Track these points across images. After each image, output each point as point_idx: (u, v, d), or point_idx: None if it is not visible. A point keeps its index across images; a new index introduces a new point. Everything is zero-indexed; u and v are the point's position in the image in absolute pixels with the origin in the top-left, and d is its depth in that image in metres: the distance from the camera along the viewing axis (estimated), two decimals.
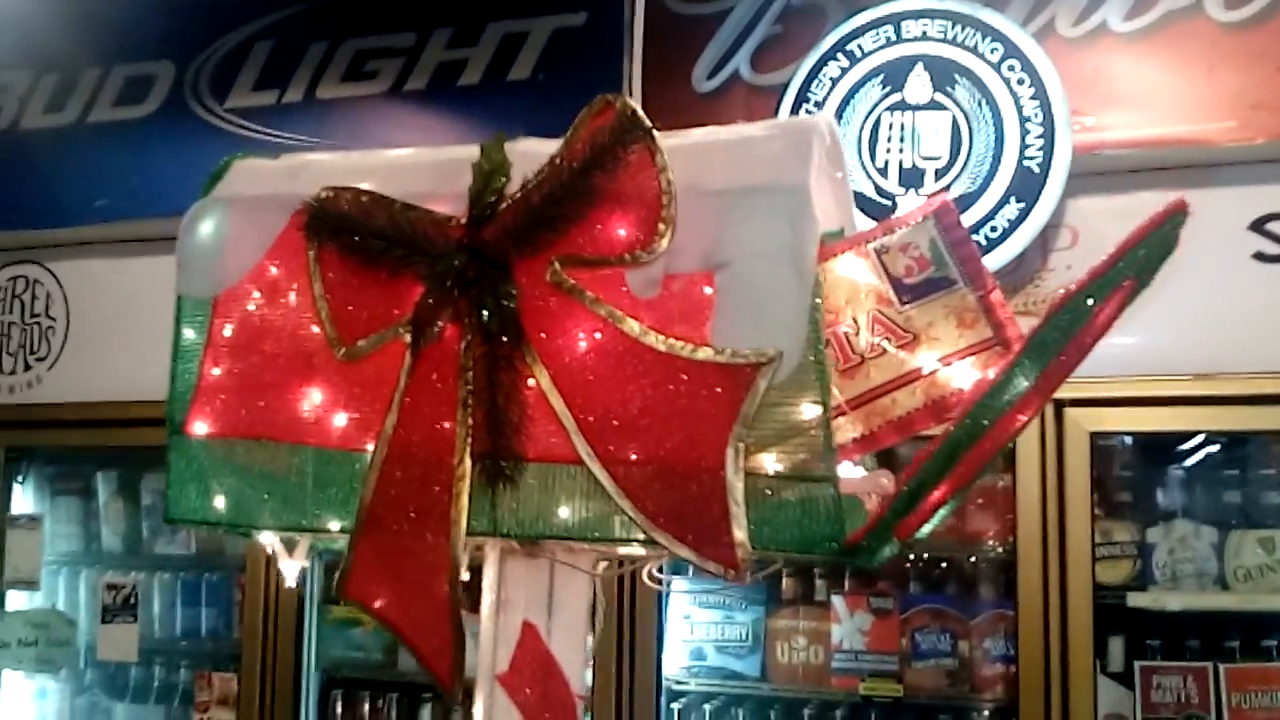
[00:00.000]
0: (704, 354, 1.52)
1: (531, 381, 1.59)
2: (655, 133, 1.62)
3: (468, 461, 1.58)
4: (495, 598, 1.75)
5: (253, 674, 4.52)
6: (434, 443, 1.60)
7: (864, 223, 3.77)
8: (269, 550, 1.86)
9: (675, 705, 4.23)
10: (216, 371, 1.76)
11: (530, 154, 1.67)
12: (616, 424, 1.55)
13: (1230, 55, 3.73)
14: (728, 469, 1.49)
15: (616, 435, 1.54)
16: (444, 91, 4.46)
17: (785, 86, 4.05)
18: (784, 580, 4.30)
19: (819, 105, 3.99)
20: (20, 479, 5.13)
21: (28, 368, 5.10)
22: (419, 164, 1.80)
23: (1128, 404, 3.74)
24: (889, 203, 3.91)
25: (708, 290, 1.54)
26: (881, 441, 1.77)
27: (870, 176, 3.94)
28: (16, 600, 5.01)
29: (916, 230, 1.82)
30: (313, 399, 1.71)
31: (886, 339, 1.79)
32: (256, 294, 1.76)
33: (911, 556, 4.18)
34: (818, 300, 1.53)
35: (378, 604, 1.66)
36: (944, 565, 4.21)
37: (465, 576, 1.82)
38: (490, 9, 4.48)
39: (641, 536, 1.54)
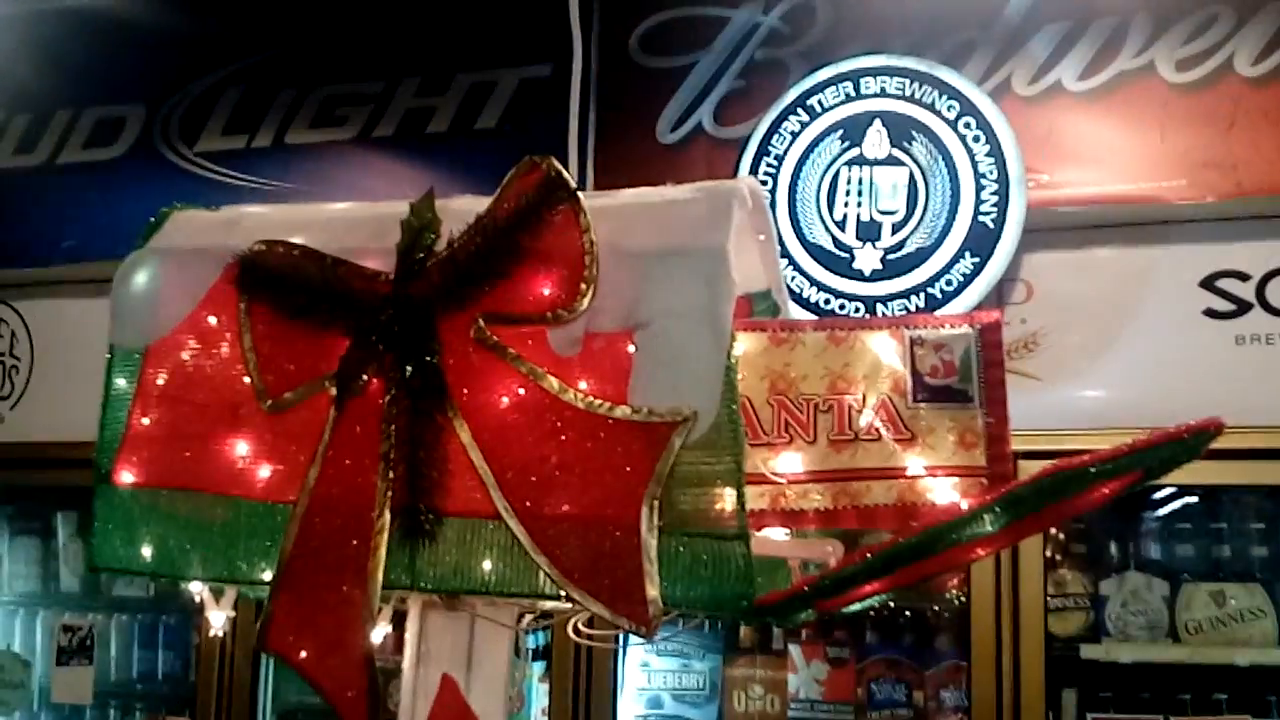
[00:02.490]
0: (621, 412, 1.55)
1: (454, 436, 1.61)
2: (579, 194, 1.65)
3: (387, 515, 1.59)
4: (415, 650, 1.77)
5: (208, 717, 4.50)
6: (355, 496, 1.62)
7: (821, 275, 3.89)
8: (196, 599, 1.87)
9: None
10: (145, 421, 1.78)
11: (460, 211, 1.70)
12: (534, 480, 1.57)
13: (1181, 115, 3.80)
14: (642, 526, 1.51)
15: (534, 491, 1.57)
16: (412, 139, 4.51)
17: (747, 140, 4.11)
18: (741, 629, 4.31)
19: (779, 159, 4.04)
20: None
21: None
22: (352, 219, 1.83)
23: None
24: (846, 255, 3.96)
25: (628, 349, 1.57)
26: (840, 521, 1.78)
27: (829, 229, 3.99)
28: None
29: (957, 336, 1.82)
30: (240, 450, 1.73)
31: (886, 428, 1.79)
32: (187, 345, 1.78)
33: (869, 607, 4.19)
34: (733, 360, 1.56)
35: (297, 655, 1.67)
36: (903, 616, 4.22)
37: (388, 628, 1.85)
38: (458, 59, 4.53)
39: (557, 592, 1.55)
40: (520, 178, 1.67)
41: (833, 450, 1.79)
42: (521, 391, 1.60)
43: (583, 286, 1.60)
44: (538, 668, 4.33)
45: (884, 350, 1.82)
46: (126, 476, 1.77)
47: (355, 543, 1.60)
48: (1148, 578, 3.89)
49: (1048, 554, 3.80)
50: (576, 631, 1.76)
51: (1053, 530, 3.87)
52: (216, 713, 4.50)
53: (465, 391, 1.62)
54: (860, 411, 1.80)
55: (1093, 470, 1.58)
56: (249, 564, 1.73)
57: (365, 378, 1.66)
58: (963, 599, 3.86)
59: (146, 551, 1.77)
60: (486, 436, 1.60)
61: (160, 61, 4.93)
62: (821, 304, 3.96)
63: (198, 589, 1.87)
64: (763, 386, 1.78)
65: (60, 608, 5.01)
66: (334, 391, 1.67)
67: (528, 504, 1.56)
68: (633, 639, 4.18)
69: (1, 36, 5.02)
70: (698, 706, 4.26)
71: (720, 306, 1.55)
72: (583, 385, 1.57)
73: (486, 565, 1.60)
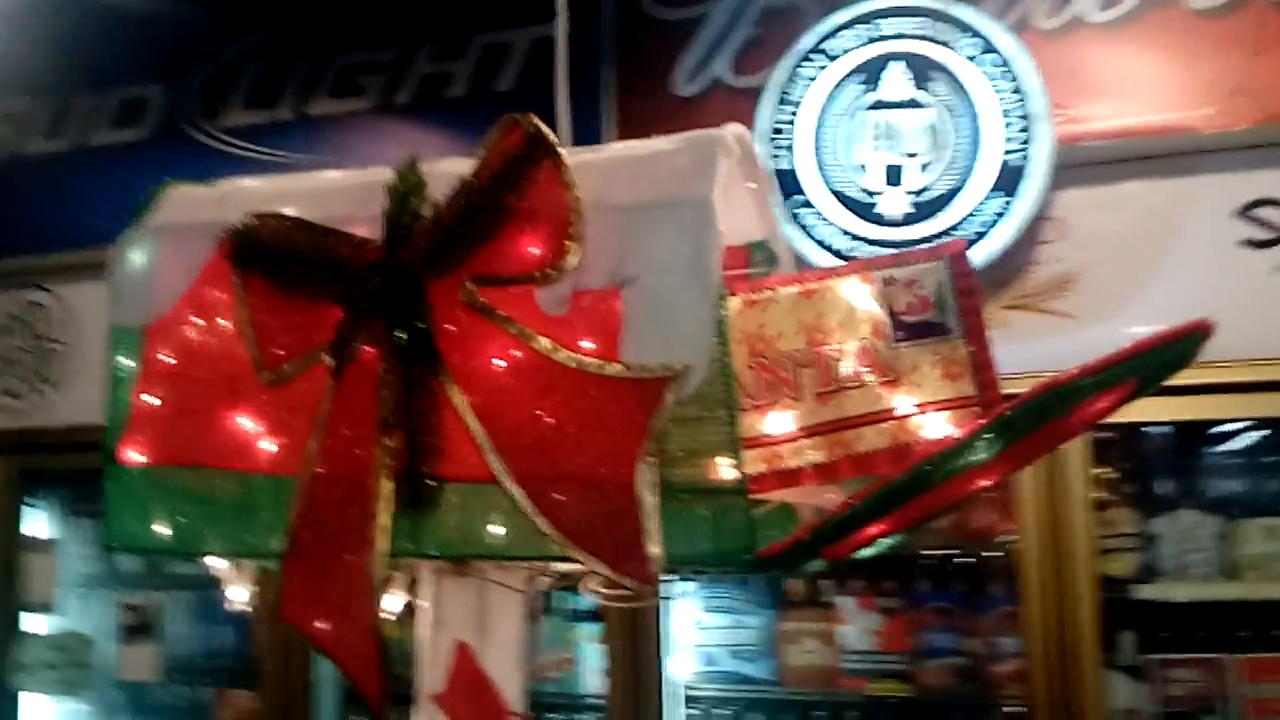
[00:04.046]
0: (613, 370, 1.53)
1: (448, 401, 1.60)
2: (562, 150, 1.63)
3: (387, 482, 1.59)
4: (429, 617, 1.77)
5: (270, 691, 4.55)
6: (356, 465, 1.62)
7: (848, 222, 3.85)
8: (216, 574, 1.89)
9: (693, 710, 4.24)
10: (149, 399, 1.79)
11: (447, 175, 1.68)
12: (529, 441, 1.56)
13: (1207, 42, 3.71)
14: (639, 484, 1.49)
15: (530, 452, 1.55)
16: (430, 105, 4.50)
17: (765, 88, 4.05)
18: (792, 583, 4.30)
19: (797, 105, 3.98)
20: (35, 502, 5.19)
21: (37, 391, 5.17)
22: (340, 188, 1.82)
23: None
24: (872, 200, 3.91)
25: (616, 306, 1.55)
26: (839, 473, 1.75)
27: (853, 175, 3.94)
28: (34, 623, 5.06)
29: (927, 270, 1.79)
30: (243, 424, 1.74)
31: (870, 372, 1.77)
32: (186, 321, 1.78)
33: (920, 554, 4.17)
34: (723, 312, 1.54)
35: (310, 626, 1.68)
36: (952, 563, 4.18)
37: (406, 596, 1.85)
38: (472, 22, 4.51)
39: (560, 553, 1.55)
40: (502, 137, 1.65)
41: (820, 403, 1.76)
42: (513, 353, 1.58)
43: (569, 244, 1.58)
44: (589, 629, 4.35)
45: (856, 295, 1.79)
46: (134, 456, 1.78)
47: (357, 512, 1.60)
48: (1200, 515, 3.83)
49: (1096, 494, 3.74)
50: (590, 590, 1.75)
51: (1100, 470, 3.81)
52: (278, 686, 4.54)
53: (457, 355, 1.61)
54: (841, 360, 1.77)
55: (1084, 383, 1.53)
56: (260, 537, 1.73)
57: (359, 346, 1.65)
58: (1013, 543, 3.82)
59: (159, 529, 1.78)
60: (480, 400, 1.59)
61: (176, 38, 4.94)
62: (849, 252, 3.92)
63: (216, 563, 1.88)
64: (741, 351, 1.75)
65: (122, 587, 5.08)
66: (330, 362, 1.67)
67: (523, 466, 1.55)
68: (675, 594, 4.21)
69: (22, 24, 5.05)
70: (753, 661, 4.26)
71: (707, 258, 1.53)
72: (575, 344, 1.55)
73: (489, 529, 1.60)
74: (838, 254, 3.92)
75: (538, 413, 1.56)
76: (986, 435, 1.53)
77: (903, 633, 4.08)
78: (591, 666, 4.33)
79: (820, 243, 3.94)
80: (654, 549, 1.49)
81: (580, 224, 1.59)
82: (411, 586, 1.82)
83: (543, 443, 1.55)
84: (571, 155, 1.64)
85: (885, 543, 1.63)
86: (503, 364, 1.59)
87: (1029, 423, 1.54)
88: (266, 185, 1.91)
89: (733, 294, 1.85)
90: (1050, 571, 3.68)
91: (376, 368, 1.64)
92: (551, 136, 1.64)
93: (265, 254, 1.73)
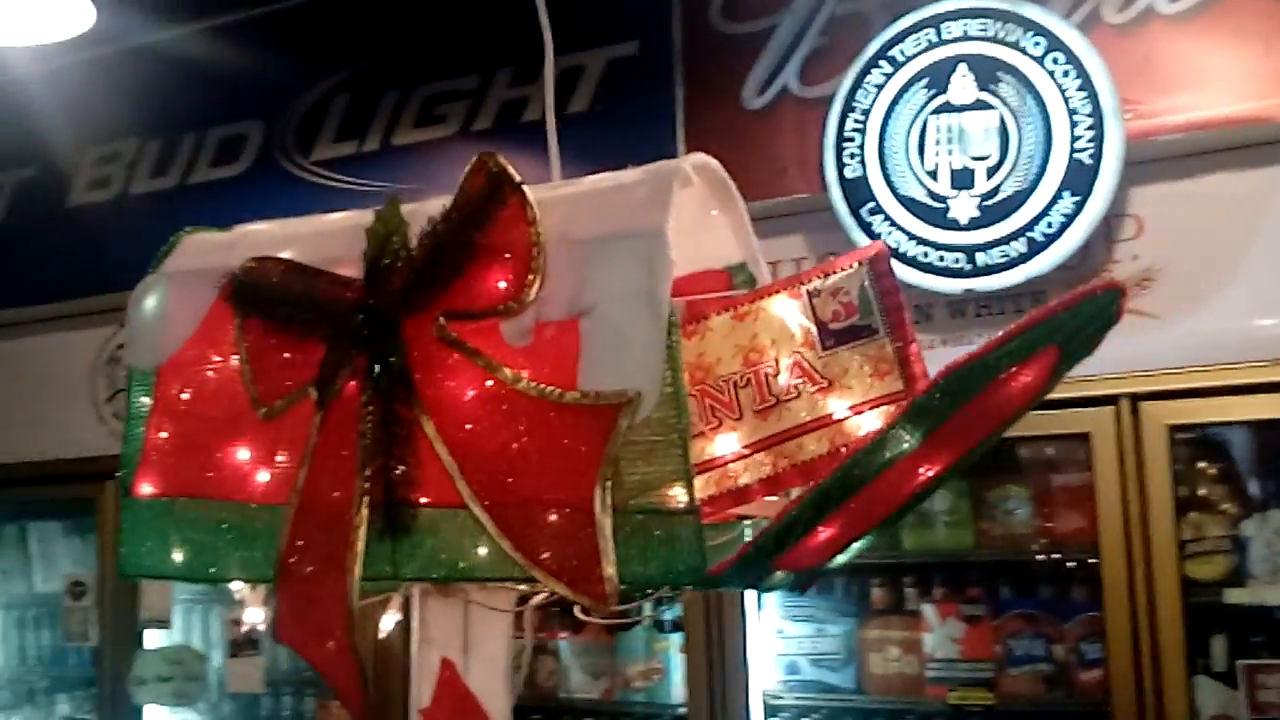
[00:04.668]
0: (570, 397, 1.57)
1: (422, 430, 1.66)
2: (525, 188, 1.67)
3: (365, 510, 1.66)
4: (418, 635, 1.84)
5: (370, 700, 4.67)
6: (338, 494, 1.69)
7: (917, 228, 3.83)
8: (237, 596, 1.98)
9: None
10: (161, 435, 1.88)
11: (426, 214, 1.74)
12: (495, 468, 1.60)
13: None
14: (596, 507, 1.53)
15: (495, 478, 1.60)
16: (509, 129, 4.60)
17: (833, 98, 4.06)
18: (874, 590, 4.29)
19: (865, 114, 3.98)
20: None
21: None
22: (334, 230, 1.89)
23: (1205, 394, 3.63)
24: (941, 205, 3.89)
25: (575, 336, 1.59)
26: (784, 484, 1.78)
27: (921, 180, 3.92)
28: (154, 639, 5.29)
29: (850, 276, 1.82)
30: (242, 457, 1.82)
31: (804, 383, 1.80)
32: (193, 362, 1.87)
33: (1003, 561, 4.13)
34: (674, 339, 1.57)
35: (300, 645, 1.76)
36: (1036, 569, 4.13)
37: (398, 616, 1.92)
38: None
39: (523, 575, 1.60)
40: (471, 176, 1.71)
41: (759, 419, 1.79)
42: (482, 384, 1.64)
43: (530, 278, 1.62)
44: (676, 639, 4.40)
45: (786, 312, 1.82)
46: (146, 488, 1.88)
47: (338, 538, 1.67)
48: None
49: (1180, 495, 3.66)
50: (584, 611, 1.80)
51: (1184, 472, 3.72)
52: (375, 697, 4.66)
53: (430, 388, 1.66)
54: (776, 375, 1.80)
55: (990, 358, 1.49)
56: (260, 563, 1.81)
57: (341, 382, 1.72)
58: (1096, 548, 3.75)
59: (171, 557, 1.88)
60: (450, 429, 1.64)
61: (274, 77, 5.13)
62: (920, 257, 3.90)
63: (237, 587, 1.97)
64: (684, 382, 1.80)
65: (230, 603, 5.27)
66: (315, 397, 1.74)
67: (491, 491, 1.60)
68: (763, 603, 4.22)
69: (132, 67, 5.31)
70: (836, 670, 4.26)
71: (658, 287, 1.55)
72: (536, 373, 1.60)
73: (463, 552, 1.65)
74: (909, 260, 3.90)
75: (503, 439, 1.61)
76: (904, 424, 1.52)
77: (987, 640, 4.03)
78: (679, 677, 4.37)
79: (891, 250, 3.91)
80: (609, 570, 1.53)
81: (540, 258, 1.63)
82: (407, 606, 1.89)
83: (507, 468, 1.60)
84: (538, 191, 1.69)
85: (854, 548, 1.64)
86: (471, 394, 1.64)
87: (944, 405, 1.52)
88: (272, 229, 2.00)
89: (716, 315, 1.88)
90: (1135, 576, 3.62)
91: (357, 402, 1.71)
92: (515, 175, 1.68)
93: (260, 296, 1.81)
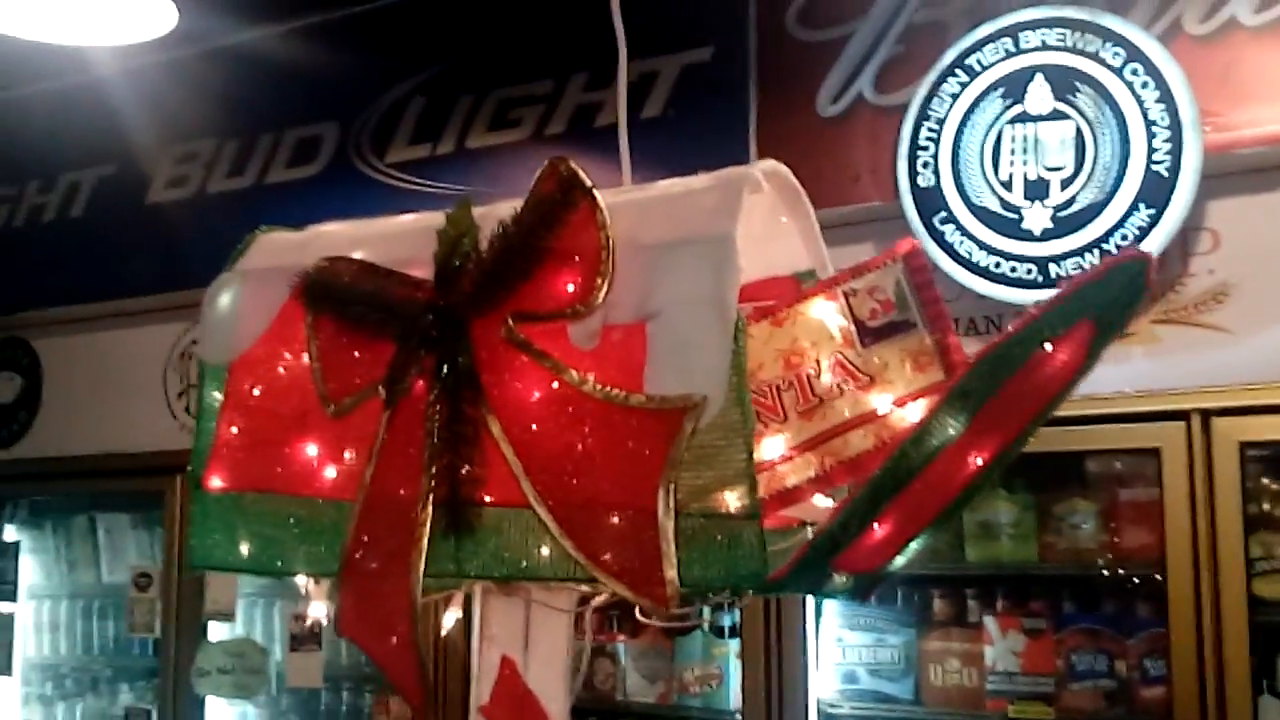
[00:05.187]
0: (635, 400, 1.58)
1: (488, 431, 1.68)
2: (596, 192, 1.69)
3: (429, 509, 1.68)
4: (479, 633, 1.86)
5: (430, 696, 4.71)
6: (404, 492, 1.71)
7: (991, 238, 3.80)
8: (302, 590, 2.01)
9: None
10: (233, 430, 1.92)
11: (497, 217, 1.76)
12: (560, 469, 1.62)
13: None
14: (659, 510, 1.54)
15: (560, 479, 1.62)
16: (582, 133, 4.61)
17: (907, 106, 4.04)
18: (935, 601, 4.26)
19: (940, 123, 3.96)
20: None
21: None
22: (405, 231, 1.92)
23: (1276, 411, 3.58)
24: (1015, 215, 3.86)
25: (642, 340, 1.61)
26: (834, 481, 1.79)
27: (995, 190, 3.89)
28: (216, 631, 5.37)
29: (884, 273, 1.83)
30: (311, 453, 1.85)
31: (846, 381, 1.81)
32: (265, 359, 1.91)
33: (1066, 575, 4.09)
34: (740, 344, 1.58)
35: (363, 640, 1.79)
36: (1100, 584, 4.08)
37: (459, 614, 1.94)
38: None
39: (584, 575, 1.61)
40: (543, 180, 1.73)
41: (804, 421, 1.80)
42: (548, 386, 1.65)
43: (598, 281, 1.64)
44: (734, 644, 4.39)
45: (824, 314, 1.83)
46: (216, 482, 1.92)
47: (403, 535, 1.69)
48: None
49: (1249, 514, 3.61)
50: (643, 613, 1.81)
51: (1254, 489, 3.67)
52: (433, 693, 4.71)
53: (497, 389, 1.68)
54: (818, 376, 1.81)
55: (1024, 334, 1.52)
56: (326, 557, 1.84)
57: (410, 381, 1.75)
58: (1156, 566, 3.71)
59: (240, 550, 1.91)
60: (516, 430, 1.66)
61: (350, 79, 5.20)
62: (992, 268, 3.88)
63: (302, 581, 2.00)
64: None
65: (293, 598, 5.33)
66: (384, 395, 1.77)
67: (555, 492, 1.62)
68: (823, 611, 4.21)
69: (211, 68, 5.39)
70: (894, 681, 4.23)
71: (726, 293, 1.57)
72: (602, 376, 1.61)
73: (525, 552, 1.67)
74: (980, 271, 3.88)
75: (568, 441, 1.62)
76: (948, 410, 1.53)
77: (1048, 654, 3.99)
78: (736, 683, 4.36)
79: (963, 260, 3.91)
80: (671, 573, 1.54)
81: (610, 262, 1.64)
82: (468, 604, 1.92)
83: (572, 469, 1.62)
84: (608, 196, 1.71)
85: (911, 548, 1.63)
86: (537, 395, 1.66)
87: (985, 386, 1.54)
88: (345, 229, 2.03)
89: (754, 322, 1.88)
90: (1202, 593, 3.57)
91: (425, 401, 1.73)
92: (586, 180, 1.70)
93: (332, 295, 1.84)
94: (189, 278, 5.38)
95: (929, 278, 1.83)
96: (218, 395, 1.96)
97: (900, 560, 1.66)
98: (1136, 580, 3.95)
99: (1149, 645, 3.86)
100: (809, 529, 1.85)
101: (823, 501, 1.82)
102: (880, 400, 1.79)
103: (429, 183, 4.92)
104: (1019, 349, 1.54)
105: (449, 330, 1.73)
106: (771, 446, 1.82)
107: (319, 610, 2.00)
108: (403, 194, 4.91)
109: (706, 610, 1.87)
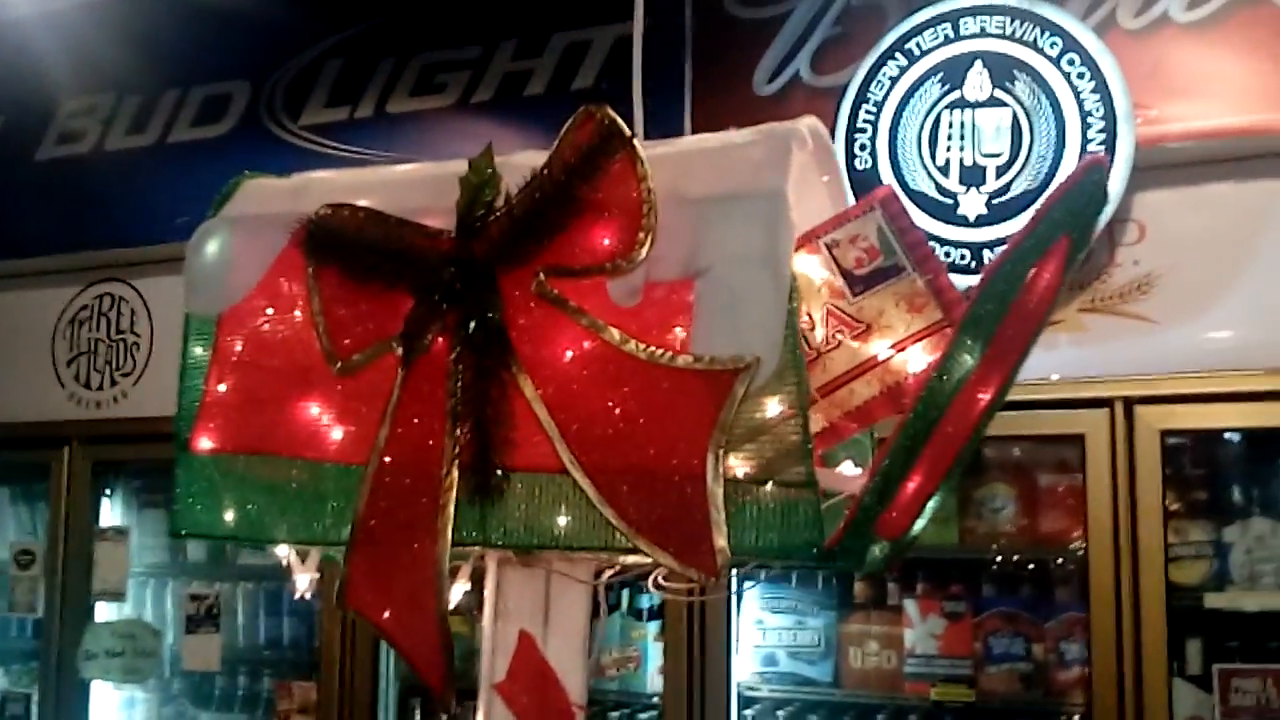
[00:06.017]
0: (683, 361, 1.52)
1: (519, 392, 1.60)
2: (636, 142, 1.62)
3: (455, 473, 1.59)
4: (494, 607, 1.77)
5: (331, 683, 4.58)
6: (424, 455, 1.62)
7: (926, 223, 3.81)
8: (283, 562, 1.90)
9: (748, 712, 4.22)
10: (221, 388, 1.80)
11: (520, 167, 1.68)
12: (599, 432, 1.55)
13: None
14: (708, 476, 1.48)
15: (599, 444, 1.55)
16: (510, 102, 4.51)
17: (845, 88, 4.03)
18: (856, 584, 4.27)
19: (878, 106, 3.96)
20: (108, 492, 5.28)
21: (114, 383, 5.26)
22: (415, 179, 1.83)
23: (1199, 400, 3.65)
24: (950, 201, 3.87)
25: (688, 297, 1.55)
26: (842, 433, 1.77)
27: (931, 175, 3.90)
28: (104, 612, 5.14)
29: (864, 221, 1.81)
30: (313, 413, 1.74)
31: (841, 331, 1.79)
32: (259, 311, 1.79)
33: (986, 560, 4.13)
34: (794, 304, 1.53)
35: (375, 614, 1.68)
36: (1018, 568, 4.14)
37: (467, 586, 1.85)
38: (553, 20, 4.51)
39: (627, 545, 1.54)
40: (577, 128, 1.65)
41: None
42: (584, 344, 1.58)
43: (641, 236, 1.57)
44: (653, 627, 4.34)
45: (807, 267, 1.82)
46: (205, 443, 1.80)
47: (425, 501, 1.60)
48: (1273, 523, 3.75)
49: (1167, 501, 3.68)
50: (657, 585, 1.75)
51: (1171, 476, 3.74)
52: (340, 678, 4.58)
53: (528, 346, 1.61)
54: (812, 330, 1.80)
55: (1019, 252, 1.56)
56: (329, 525, 1.74)
57: (430, 337, 1.66)
58: (1082, 549, 3.76)
59: (227, 516, 1.80)
60: (551, 391, 1.59)
61: (263, 37, 5.00)
62: None
63: (283, 552, 1.89)
64: None
65: (188, 577, 5.15)
66: (400, 351, 1.67)
67: (593, 457, 1.55)
68: (742, 590, 4.19)
69: (109, 20, 5.14)
70: (813, 664, 4.23)
71: (780, 251, 1.52)
72: (646, 335, 1.55)
73: (556, 520, 1.59)
74: None
75: (608, 404, 1.56)
76: (963, 340, 1.54)
77: (967, 637, 4.03)
78: (654, 666, 4.32)
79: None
80: (720, 541, 1.48)
81: (652, 216, 1.58)
82: (479, 576, 1.83)
83: (612, 434, 1.55)
84: (646, 147, 1.64)
85: (930, 507, 1.60)
86: (573, 355, 1.59)
87: (996, 309, 1.55)
88: (342, 177, 1.93)
89: None
90: (1120, 578, 3.63)
91: (445, 358, 1.64)
92: (626, 129, 1.63)
93: (338, 244, 1.74)
94: (83, 239, 5.21)
95: (909, 221, 1.82)
96: (203, 350, 1.84)
97: (920, 523, 1.63)
98: (1054, 565, 4.01)
99: (1066, 629, 3.93)
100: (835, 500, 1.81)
101: (850, 470, 1.78)
102: (879, 346, 1.78)
103: (346, 147, 4.76)
104: (1021, 263, 1.56)
105: (474, 283, 1.64)
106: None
107: (304, 583, 1.89)
108: (317, 157, 4.73)
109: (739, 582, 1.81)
